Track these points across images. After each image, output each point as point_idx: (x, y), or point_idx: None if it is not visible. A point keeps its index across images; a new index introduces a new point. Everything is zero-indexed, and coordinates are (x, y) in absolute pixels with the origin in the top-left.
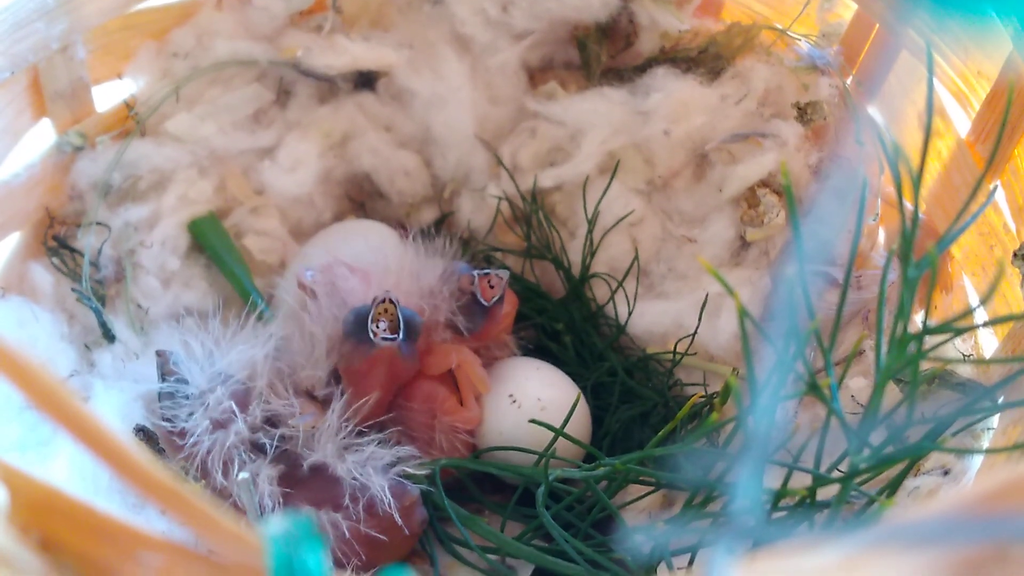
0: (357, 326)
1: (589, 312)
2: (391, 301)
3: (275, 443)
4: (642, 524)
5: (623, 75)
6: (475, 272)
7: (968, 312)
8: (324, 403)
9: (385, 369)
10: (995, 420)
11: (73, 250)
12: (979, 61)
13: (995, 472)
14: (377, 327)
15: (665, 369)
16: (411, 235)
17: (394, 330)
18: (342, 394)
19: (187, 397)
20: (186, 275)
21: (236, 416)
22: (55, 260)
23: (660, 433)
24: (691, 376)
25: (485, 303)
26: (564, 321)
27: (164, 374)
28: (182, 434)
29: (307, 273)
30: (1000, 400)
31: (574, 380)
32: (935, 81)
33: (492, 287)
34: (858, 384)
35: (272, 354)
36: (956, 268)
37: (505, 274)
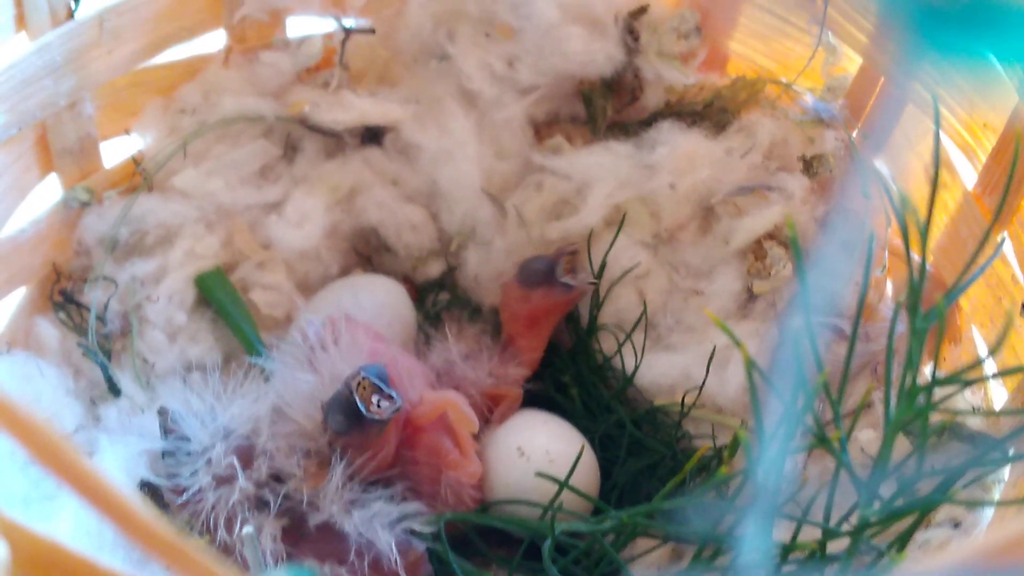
0: (352, 420)
1: (596, 364)
2: (363, 376)
3: (280, 500)
4: None
5: (629, 129)
6: None
7: (977, 363)
8: (326, 462)
9: (394, 430)
10: (1006, 472)
11: (80, 305)
12: (985, 113)
13: (1006, 524)
14: (379, 406)
15: (673, 421)
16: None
17: (386, 396)
18: (342, 457)
19: (189, 454)
20: (192, 329)
21: (239, 472)
22: (61, 315)
23: (668, 485)
24: (699, 428)
25: None
26: (571, 373)
27: (166, 432)
28: (185, 491)
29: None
30: (1010, 452)
31: (581, 432)
32: (940, 133)
33: None
34: (867, 436)
35: (275, 409)
36: (964, 320)
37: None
